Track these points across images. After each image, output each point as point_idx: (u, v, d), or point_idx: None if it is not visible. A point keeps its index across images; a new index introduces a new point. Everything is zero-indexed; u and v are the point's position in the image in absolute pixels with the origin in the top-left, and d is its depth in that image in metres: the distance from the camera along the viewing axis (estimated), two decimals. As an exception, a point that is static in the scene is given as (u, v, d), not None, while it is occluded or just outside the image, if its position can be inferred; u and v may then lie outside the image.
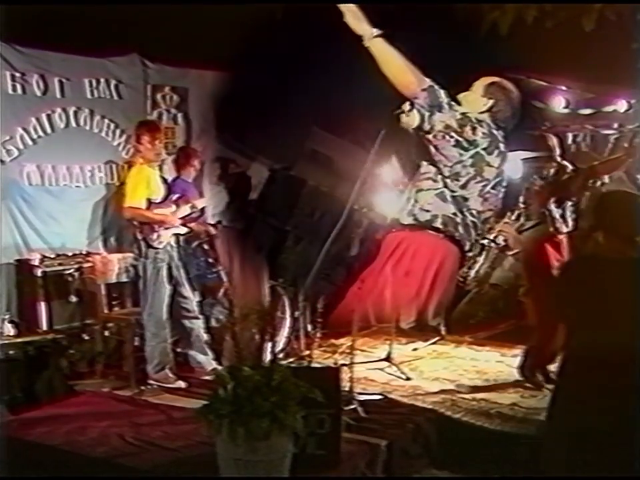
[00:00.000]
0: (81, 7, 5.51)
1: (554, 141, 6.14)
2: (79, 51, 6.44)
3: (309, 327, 6.36)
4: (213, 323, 6.26)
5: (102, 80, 6.78)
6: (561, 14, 4.08)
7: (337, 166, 7.09)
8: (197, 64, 7.27)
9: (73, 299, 6.35)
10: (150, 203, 5.73)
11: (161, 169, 6.01)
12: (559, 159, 6.26)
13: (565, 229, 5.71)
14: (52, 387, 5.42)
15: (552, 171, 5.88)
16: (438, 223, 4.52)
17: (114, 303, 6.41)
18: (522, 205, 6.97)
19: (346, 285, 5.49)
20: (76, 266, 6.37)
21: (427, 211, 4.54)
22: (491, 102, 4.58)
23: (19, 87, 6.28)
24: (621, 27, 4.26)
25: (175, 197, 5.90)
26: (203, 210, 6.08)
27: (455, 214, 4.53)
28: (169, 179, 6.41)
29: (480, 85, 4.65)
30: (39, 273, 6.18)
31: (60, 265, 6.33)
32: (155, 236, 5.68)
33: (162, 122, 7.02)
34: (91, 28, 5.85)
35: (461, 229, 4.56)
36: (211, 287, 6.46)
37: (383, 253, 4.92)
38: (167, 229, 5.75)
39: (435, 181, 4.54)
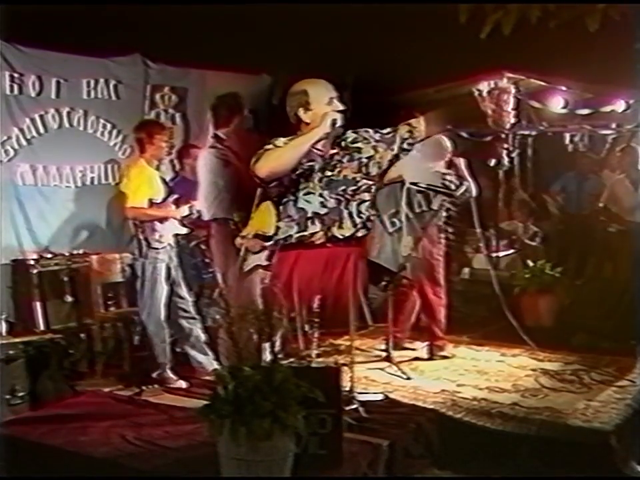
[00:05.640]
0: (83, 7, 5.49)
1: None
2: (81, 51, 6.42)
3: (306, 327, 6.34)
4: (210, 323, 6.23)
5: (101, 80, 6.77)
6: (564, 14, 4.08)
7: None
8: (198, 64, 7.26)
9: (69, 298, 6.34)
10: (152, 204, 5.72)
11: (159, 168, 6.00)
12: None
13: None
14: (52, 387, 5.41)
15: None
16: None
17: (110, 302, 6.40)
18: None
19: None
20: (72, 266, 6.36)
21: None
22: None
23: (15, 87, 6.27)
24: (622, 28, 4.27)
25: (174, 197, 5.89)
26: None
27: None
28: (167, 178, 6.40)
29: None
30: (34, 272, 6.16)
31: (56, 264, 6.32)
32: (157, 236, 5.67)
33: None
34: (93, 28, 5.83)
35: None
36: (206, 287, 6.45)
37: None
38: (168, 228, 5.75)
39: None
